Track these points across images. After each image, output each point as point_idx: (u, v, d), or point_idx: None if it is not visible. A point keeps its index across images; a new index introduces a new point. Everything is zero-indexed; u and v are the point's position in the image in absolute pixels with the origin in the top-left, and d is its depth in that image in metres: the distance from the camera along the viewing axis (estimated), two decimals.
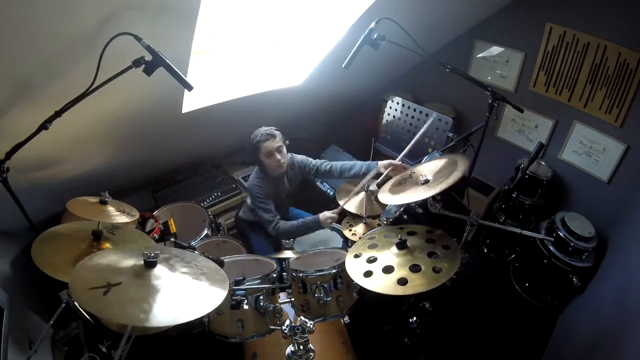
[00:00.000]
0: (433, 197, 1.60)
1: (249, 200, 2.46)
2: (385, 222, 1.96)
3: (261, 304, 1.54)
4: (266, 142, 2.11)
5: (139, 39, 1.26)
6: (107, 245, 1.54)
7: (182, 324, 1.05)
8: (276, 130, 2.17)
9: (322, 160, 2.38)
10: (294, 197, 2.63)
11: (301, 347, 1.46)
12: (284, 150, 2.20)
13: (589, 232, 2.29)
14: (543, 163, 2.72)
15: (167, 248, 1.38)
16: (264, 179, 2.24)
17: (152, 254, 1.17)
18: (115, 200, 1.75)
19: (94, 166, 2.20)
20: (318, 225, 2.19)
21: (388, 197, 1.67)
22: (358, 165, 2.26)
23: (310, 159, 2.39)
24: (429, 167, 1.74)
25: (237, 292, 1.49)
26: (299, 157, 2.40)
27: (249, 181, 2.28)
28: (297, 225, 2.18)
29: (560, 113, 2.61)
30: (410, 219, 1.81)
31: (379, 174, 2.17)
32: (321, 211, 2.21)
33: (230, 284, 1.46)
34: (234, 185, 2.88)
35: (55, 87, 1.42)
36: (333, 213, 2.17)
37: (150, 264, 1.16)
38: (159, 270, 1.17)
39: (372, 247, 1.56)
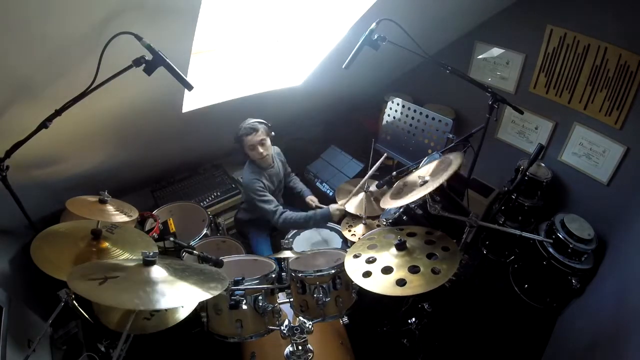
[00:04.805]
0: (432, 198, 1.60)
1: (244, 199, 2.46)
2: (384, 223, 1.96)
3: (260, 304, 1.54)
4: (248, 135, 2.15)
5: (139, 38, 1.26)
6: (106, 244, 1.53)
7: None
8: (260, 123, 2.19)
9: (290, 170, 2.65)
10: (288, 196, 2.65)
11: (300, 347, 1.46)
12: (267, 142, 2.23)
13: (588, 234, 2.28)
14: (543, 165, 2.72)
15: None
16: (258, 172, 2.28)
17: (151, 254, 1.17)
18: (115, 199, 1.74)
19: (93, 165, 2.20)
20: (327, 218, 2.21)
21: (390, 203, 1.66)
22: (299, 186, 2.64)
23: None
24: (427, 169, 1.74)
25: (236, 292, 1.49)
26: (279, 150, 2.52)
27: (245, 178, 2.30)
28: (305, 216, 2.20)
29: (560, 115, 2.61)
30: (410, 220, 1.81)
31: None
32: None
33: (229, 283, 1.47)
34: (233, 185, 2.88)
35: (56, 86, 1.42)
36: (341, 205, 2.21)
37: (148, 263, 1.16)
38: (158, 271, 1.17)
39: (372, 247, 1.56)
